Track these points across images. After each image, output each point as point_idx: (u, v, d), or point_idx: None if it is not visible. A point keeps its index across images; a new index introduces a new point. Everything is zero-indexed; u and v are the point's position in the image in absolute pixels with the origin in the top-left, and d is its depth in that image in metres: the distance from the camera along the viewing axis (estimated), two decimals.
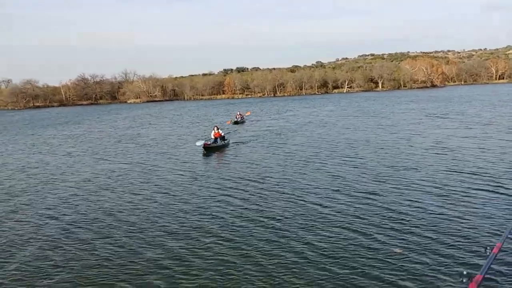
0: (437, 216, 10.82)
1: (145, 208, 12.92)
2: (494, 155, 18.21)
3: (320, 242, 9.48)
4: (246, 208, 12.34)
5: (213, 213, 12.05)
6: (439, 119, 34.87)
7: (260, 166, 18.60)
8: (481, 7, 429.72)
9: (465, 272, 2.96)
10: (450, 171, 15.66)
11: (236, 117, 42.56)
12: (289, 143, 25.27)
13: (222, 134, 24.81)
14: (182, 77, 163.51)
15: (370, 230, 10.08)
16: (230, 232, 10.42)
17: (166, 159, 21.83)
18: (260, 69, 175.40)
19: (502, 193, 12.45)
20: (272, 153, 22.02)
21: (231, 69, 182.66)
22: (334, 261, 8.48)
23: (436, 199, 12.25)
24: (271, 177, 16.20)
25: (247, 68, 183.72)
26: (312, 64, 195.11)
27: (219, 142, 24.29)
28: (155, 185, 16.10)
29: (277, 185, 15.00)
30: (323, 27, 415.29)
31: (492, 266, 3.13)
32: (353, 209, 11.68)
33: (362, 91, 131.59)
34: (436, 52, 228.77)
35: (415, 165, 17.09)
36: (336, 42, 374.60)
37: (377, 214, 11.21)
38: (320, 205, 12.27)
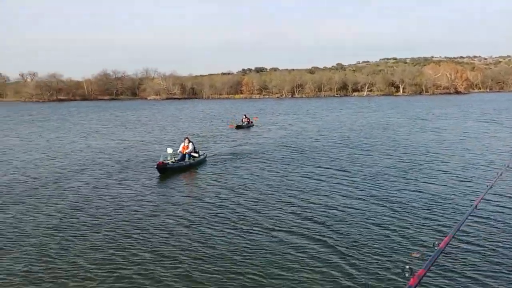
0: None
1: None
2: None
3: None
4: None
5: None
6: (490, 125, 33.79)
7: (243, 198, 12.81)
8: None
9: (407, 267, 2.90)
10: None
11: (242, 121, 36.19)
12: (297, 159, 19.58)
13: (191, 148, 18.73)
14: (201, 75, 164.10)
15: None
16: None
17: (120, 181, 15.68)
18: (279, 69, 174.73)
19: None
20: (268, 174, 16.31)
21: (250, 69, 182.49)
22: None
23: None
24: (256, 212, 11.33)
25: (266, 69, 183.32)
26: (332, 66, 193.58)
27: (186, 161, 18.27)
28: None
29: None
30: (346, 27, 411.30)
31: (438, 261, 3.12)
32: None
33: (382, 95, 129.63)
34: (461, 57, 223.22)
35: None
36: (358, 44, 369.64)
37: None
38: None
